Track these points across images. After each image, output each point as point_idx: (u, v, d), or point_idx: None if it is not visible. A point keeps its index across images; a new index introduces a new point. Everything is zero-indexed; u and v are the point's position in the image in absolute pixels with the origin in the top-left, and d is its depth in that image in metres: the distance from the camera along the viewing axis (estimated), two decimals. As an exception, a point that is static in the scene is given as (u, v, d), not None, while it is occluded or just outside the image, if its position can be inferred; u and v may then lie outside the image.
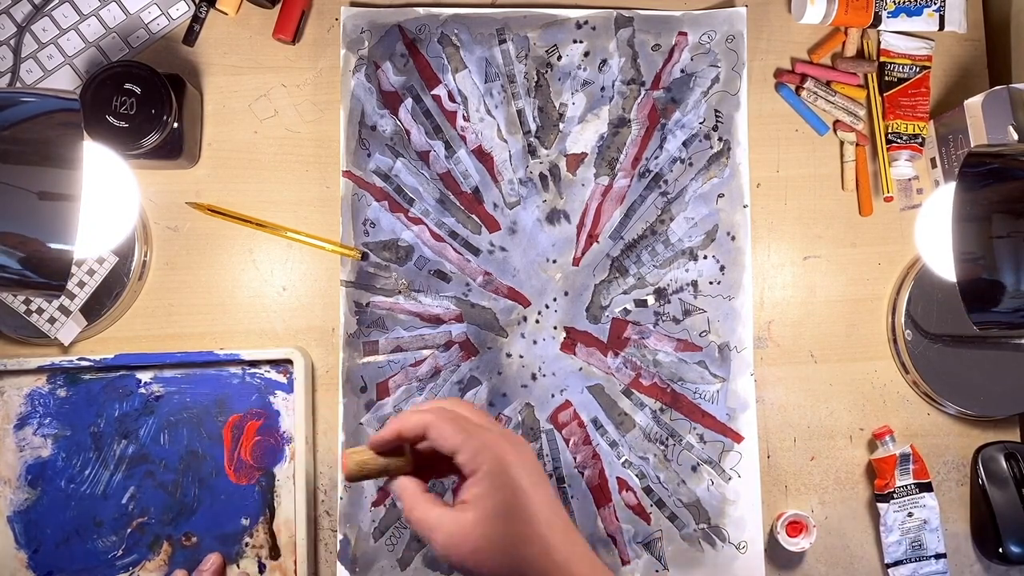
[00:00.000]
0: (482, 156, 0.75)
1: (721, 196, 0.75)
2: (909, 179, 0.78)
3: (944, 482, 0.76)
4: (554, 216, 0.75)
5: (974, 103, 0.71)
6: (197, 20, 0.74)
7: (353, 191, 0.74)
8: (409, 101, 0.75)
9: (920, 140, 0.77)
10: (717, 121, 0.76)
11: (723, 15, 0.76)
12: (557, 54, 0.76)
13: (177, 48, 0.75)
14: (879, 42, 0.79)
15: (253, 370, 0.71)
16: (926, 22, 0.77)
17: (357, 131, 0.74)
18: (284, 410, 0.71)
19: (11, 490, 0.70)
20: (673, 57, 0.76)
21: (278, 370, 0.71)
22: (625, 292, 0.75)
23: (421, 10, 0.75)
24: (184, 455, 0.70)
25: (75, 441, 0.70)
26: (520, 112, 0.75)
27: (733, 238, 0.75)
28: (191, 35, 0.74)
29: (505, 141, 0.75)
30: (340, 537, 0.71)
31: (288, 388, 0.71)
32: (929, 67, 0.78)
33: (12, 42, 0.72)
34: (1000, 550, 0.72)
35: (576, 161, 0.76)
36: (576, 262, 0.75)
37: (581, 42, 0.76)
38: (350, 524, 0.71)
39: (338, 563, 0.70)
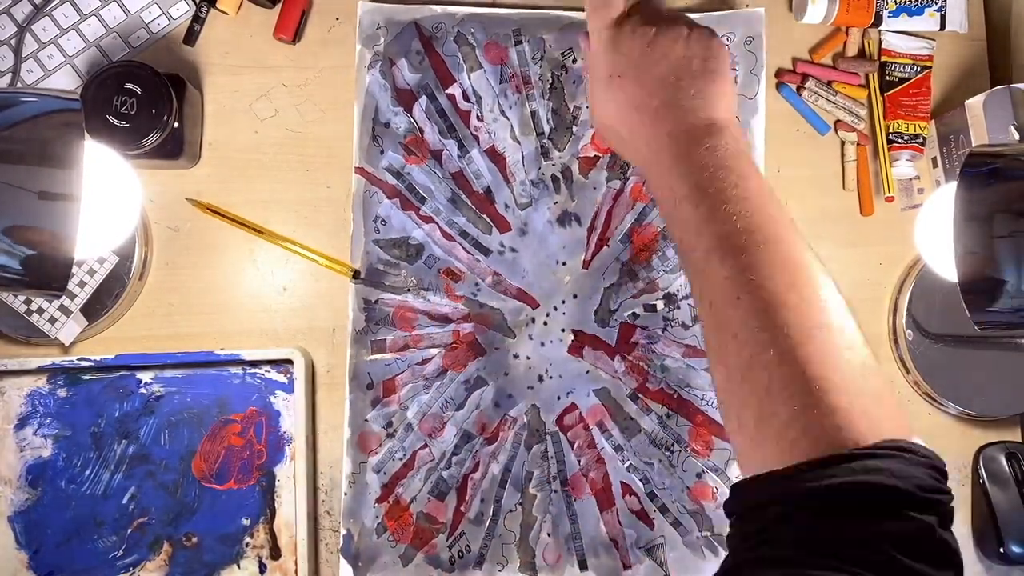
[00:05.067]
0: (495, 156, 0.75)
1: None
2: (910, 179, 0.78)
3: (945, 482, 0.76)
4: (565, 218, 0.75)
5: (975, 103, 0.71)
6: (197, 20, 0.74)
7: (365, 187, 0.74)
8: (424, 99, 0.74)
9: (921, 140, 0.77)
10: None
11: (741, 16, 0.76)
12: (572, 57, 0.75)
13: (177, 48, 0.75)
14: (880, 42, 0.79)
15: (253, 370, 0.71)
16: (927, 22, 0.77)
17: (371, 127, 0.74)
18: (284, 410, 0.71)
19: (11, 490, 0.69)
20: (690, 60, 0.76)
21: (278, 370, 0.71)
22: (634, 296, 0.74)
23: (438, 8, 0.75)
24: (185, 455, 0.70)
25: (75, 441, 0.70)
26: (534, 114, 0.75)
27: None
28: (191, 35, 0.74)
29: (518, 142, 0.75)
30: (343, 532, 0.71)
31: (288, 388, 0.71)
32: (930, 67, 0.78)
33: (12, 42, 0.72)
34: (1001, 550, 0.72)
35: (588, 164, 0.75)
36: (586, 265, 0.75)
37: None
38: (353, 519, 0.71)
39: (341, 559, 0.70)
